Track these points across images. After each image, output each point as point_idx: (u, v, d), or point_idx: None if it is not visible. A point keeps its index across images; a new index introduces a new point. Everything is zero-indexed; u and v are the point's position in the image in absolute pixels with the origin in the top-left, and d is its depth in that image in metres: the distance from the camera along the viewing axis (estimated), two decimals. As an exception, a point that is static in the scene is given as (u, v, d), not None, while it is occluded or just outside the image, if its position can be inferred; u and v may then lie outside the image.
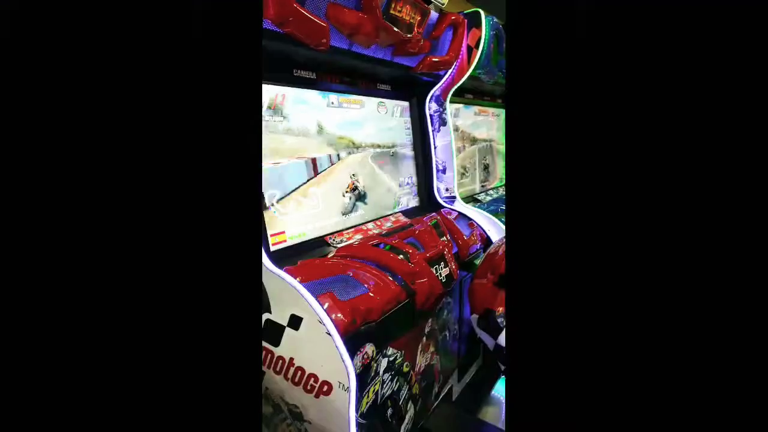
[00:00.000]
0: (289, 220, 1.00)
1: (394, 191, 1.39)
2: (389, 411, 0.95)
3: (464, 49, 1.32)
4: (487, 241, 1.37)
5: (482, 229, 1.39)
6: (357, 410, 0.79)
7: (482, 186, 1.87)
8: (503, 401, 1.30)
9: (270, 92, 0.97)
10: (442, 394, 1.26)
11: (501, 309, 0.95)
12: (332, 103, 1.15)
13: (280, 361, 0.81)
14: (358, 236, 1.13)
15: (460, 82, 1.38)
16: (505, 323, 0.93)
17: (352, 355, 0.77)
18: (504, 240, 1.10)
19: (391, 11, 0.97)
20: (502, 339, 0.93)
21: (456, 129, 1.62)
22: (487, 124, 1.97)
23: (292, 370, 0.80)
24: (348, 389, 0.74)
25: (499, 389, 1.34)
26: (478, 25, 1.33)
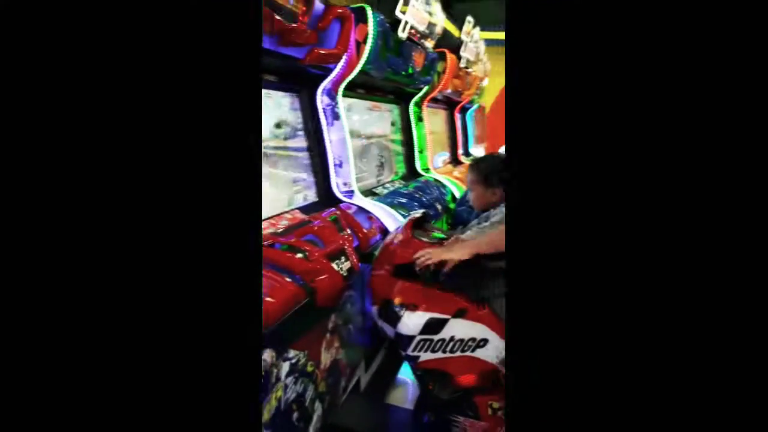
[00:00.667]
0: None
1: (289, 187, 1.34)
2: (295, 415, 0.92)
3: (353, 43, 1.33)
4: (385, 232, 1.41)
5: (381, 221, 1.43)
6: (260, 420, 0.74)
7: (378, 180, 1.92)
8: (408, 382, 1.37)
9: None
10: (350, 387, 1.27)
11: (398, 299, 0.98)
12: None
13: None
14: (251, 237, 1.06)
15: (351, 76, 1.39)
16: (402, 312, 0.97)
17: (248, 365, 0.72)
18: (399, 230, 1.14)
19: (272, -2, 0.92)
20: (400, 327, 0.97)
21: (350, 125, 1.63)
22: (382, 120, 2.03)
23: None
24: (245, 402, 0.69)
25: (404, 371, 1.41)
26: (365, 21, 1.35)
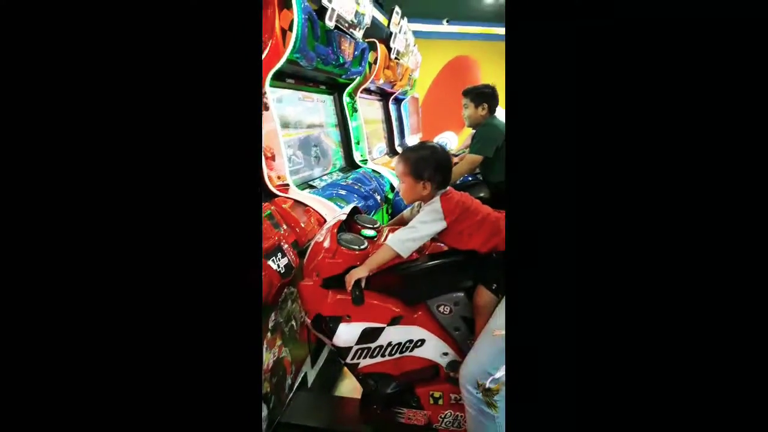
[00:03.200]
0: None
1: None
2: (237, 420, 0.88)
3: (277, 30, 1.27)
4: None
5: (319, 214, 1.41)
6: None
7: (314, 173, 1.89)
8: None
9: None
10: (297, 383, 1.25)
11: (330, 313, 0.94)
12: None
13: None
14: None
15: (278, 65, 1.33)
16: (334, 326, 0.94)
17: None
18: (327, 230, 1.07)
19: (180, -24, 0.84)
20: (335, 339, 0.94)
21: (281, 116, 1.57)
22: (316, 111, 1.99)
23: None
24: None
25: (352, 362, 1.41)
26: (289, 7, 1.29)
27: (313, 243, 1.07)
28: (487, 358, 0.84)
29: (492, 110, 1.92)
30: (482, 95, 1.92)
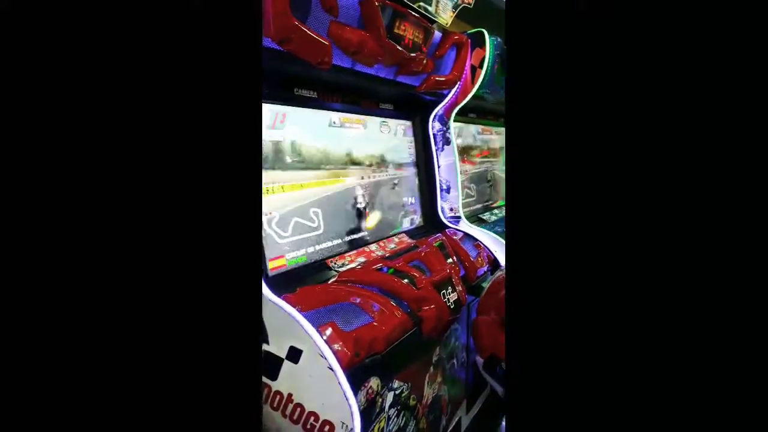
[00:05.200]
0: (287, 242, 0.95)
1: (398, 211, 1.35)
2: (395, 450, 0.88)
3: (468, 68, 1.31)
4: (494, 263, 1.32)
5: (489, 250, 1.35)
6: (362, 450, 0.73)
7: (485, 206, 1.83)
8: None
9: (271, 111, 0.94)
10: (451, 427, 1.18)
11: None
12: (334, 122, 1.12)
13: (278, 397, 0.75)
14: (361, 259, 1.08)
15: (464, 102, 1.37)
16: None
17: (356, 391, 0.71)
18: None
19: (395, 30, 0.96)
20: None
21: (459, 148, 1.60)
22: (490, 143, 1.95)
23: (290, 406, 0.74)
24: (351, 430, 0.68)
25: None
26: (482, 45, 1.32)
27: (494, 279, 1.02)
28: None
29: None
30: None
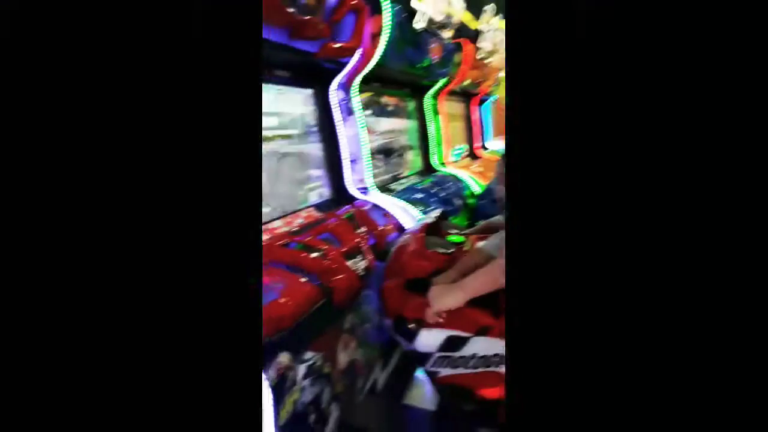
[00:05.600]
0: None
1: (303, 185, 1.32)
2: (311, 417, 0.90)
3: (367, 35, 1.29)
4: (402, 229, 1.38)
5: (397, 218, 1.41)
6: (276, 424, 0.73)
7: (393, 176, 1.89)
8: (427, 381, 1.35)
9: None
10: (368, 386, 1.25)
11: (413, 316, 0.91)
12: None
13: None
14: (265, 237, 1.05)
15: (366, 70, 1.36)
16: (416, 329, 0.90)
17: (265, 369, 0.70)
18: (412, 232, 1.07)
19: (284, -11, 0.89)
20: (416, 344, 0.91)
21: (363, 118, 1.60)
22: (395, 113, 1.99)
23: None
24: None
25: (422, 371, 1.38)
26: (380, 12, 1.31)
27: (397, 245, 1.06)
28: None
29: None
30: None
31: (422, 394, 1.30)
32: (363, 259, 1.06)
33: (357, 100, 1.45)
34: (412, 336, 0.91)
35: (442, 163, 2.24)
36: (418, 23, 1.54)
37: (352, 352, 1.10)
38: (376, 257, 1.13)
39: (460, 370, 0.90)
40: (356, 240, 1.09)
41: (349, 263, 1.00)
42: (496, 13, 2.37)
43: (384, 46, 1.34)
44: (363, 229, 1.19)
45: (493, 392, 0.92)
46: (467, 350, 0.88)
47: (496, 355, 0.88)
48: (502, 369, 0.88)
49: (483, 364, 0.89)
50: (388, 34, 1.34)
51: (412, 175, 2.03)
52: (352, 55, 1.28)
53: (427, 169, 2.17)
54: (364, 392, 1.22)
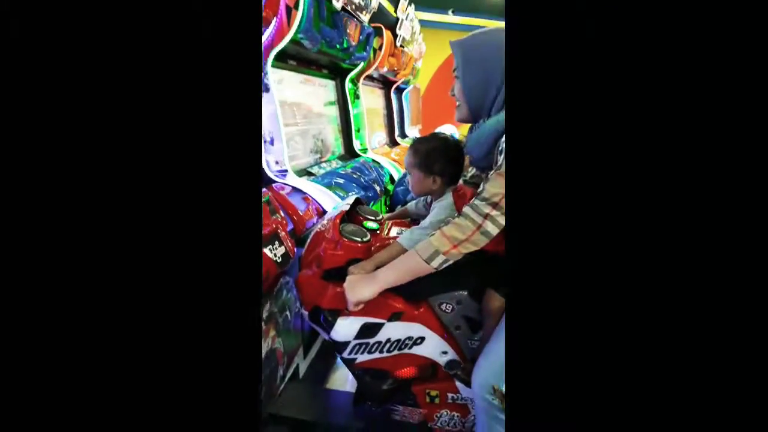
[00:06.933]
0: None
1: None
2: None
3: (282, 8, 1.21)
4: (323, 214, 1.36)
5: (318, 202, 1.37)
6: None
7: (314, 160, 1.84)
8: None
9: None
10: (289, 374, 1.22)
11: (329, 306, 0.90)
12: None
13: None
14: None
15: (281, 45, 1.28)
16: (332, 319, 0.90)
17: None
18: (327, 219, 1.03)
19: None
20: (333, 334, 0.91)
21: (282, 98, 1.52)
22: (316, 95, 1.93)
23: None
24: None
25: (345, 355, 1.39)
26: (296, -16, 1.23)
27: (313, 233, 1.03)
28: (502, 361, 0.82)
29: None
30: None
31: (343, 377, 1.31)
32: (281, 246, 1.02)
33: (273, 76, 1.36)
34: (328, 326, 0.91)
35: (364, 149, 2.24)
36: (337, 2, 1.49)
37: (272, 341, 1.06)
38: (296, 243, 1.09)
39: (376, 355, 0.93)
40: (273, 225, 1.04)
41: (264, 250, 0.95)
42: (410, 3, 2.42)
43: (300, 22, 1.28)
44: (281, 214, 1.14)
45: (408, 372, 0.97)
46: (381, 336, 0.92)
47: (408, 338, 0.92)
48: (415, 351, 0.94)
49: (397, 347, 0.93)
50: (304, 8, 1.27)
51: (333, 159, 2.00)
52: (265, 27, 1.19)
53: (349, 154, 2.16)
54: (286, 380, 1.19)
